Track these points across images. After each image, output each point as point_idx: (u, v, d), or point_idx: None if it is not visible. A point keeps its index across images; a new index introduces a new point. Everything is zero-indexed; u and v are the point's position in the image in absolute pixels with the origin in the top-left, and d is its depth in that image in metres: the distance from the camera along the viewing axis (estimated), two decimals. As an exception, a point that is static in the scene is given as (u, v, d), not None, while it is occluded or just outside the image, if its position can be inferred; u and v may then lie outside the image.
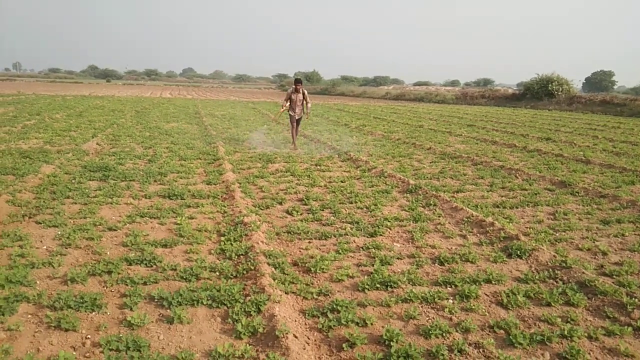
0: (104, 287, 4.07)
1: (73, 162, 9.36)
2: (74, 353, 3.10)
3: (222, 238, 5.36)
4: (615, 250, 5.41)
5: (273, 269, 4.56)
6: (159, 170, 8.86)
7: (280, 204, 7.06)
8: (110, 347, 3.13)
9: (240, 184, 8.11)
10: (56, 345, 3.19)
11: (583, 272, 4.52)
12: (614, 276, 4.62)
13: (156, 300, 3.84)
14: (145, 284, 4.15)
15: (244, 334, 3.40)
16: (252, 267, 4.49)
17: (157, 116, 20.53)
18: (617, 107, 33.43)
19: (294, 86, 12.15)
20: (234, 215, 6.20)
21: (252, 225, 5.67)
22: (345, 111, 28.59)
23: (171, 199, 7.00)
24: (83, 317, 3.55)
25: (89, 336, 3.31)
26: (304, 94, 12.13)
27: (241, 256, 4.86)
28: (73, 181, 7.74)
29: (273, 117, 16.18)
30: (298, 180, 8.71)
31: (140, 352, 3.10)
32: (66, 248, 4.90)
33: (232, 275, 4.40)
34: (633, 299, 3.99)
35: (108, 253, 4.82)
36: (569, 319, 3.77)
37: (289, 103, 12.18)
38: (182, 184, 8.00)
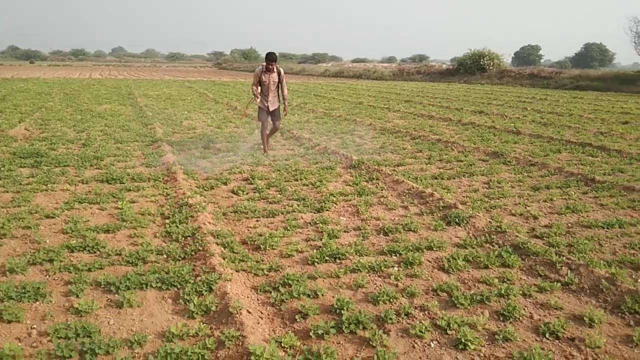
0: (46, 275, 3.93)
1: (0, 149, 8.81)
2: (20, 344, 3.00)
3: (167, 221, 5.28)
4: (545, 214, 5.80)
5: (222, 248, 4.56)
6: (95, 154, 8.52)
7: (225, 184, 7.00)
8: (59, 335, 3.05)
9: (181, 165, 7.95)
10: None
11: (516, 236, 4.83)
12: (544, 238, 4.97)
13: (103, 286, 3.76)
14: (90, 270, 4.04)
15: (197, 313, 3.41)
16: (201, 248, 4.46)
17: (88, 98, 19.56)
18: (544, 80, 35.20)
19: (263, 64, 8.67)
20: (178, 197, 6.10)
21: (198, 207, 5.61)
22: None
23: (110, 184, 6.78)
24: (26, 308, 3.42)
25: (35, 326, 3.20)
26: (279, 74, 8.74)
27: (188, 238, 4.82)
28: (2, 169, 7.31)
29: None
30: (242, 160, 8.65)
31: (91, 337, 3.04)
32: (1, 238, 4.66)
33: (180, 257, 4.36)
34: (561, 257, 4.32)
35: (47, 241, 4.63)
36: (505, 279, 4.04)
37: (259, 89, 8.73)
38: (120, 167, 7.75)
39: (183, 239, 4.80)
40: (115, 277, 3.86)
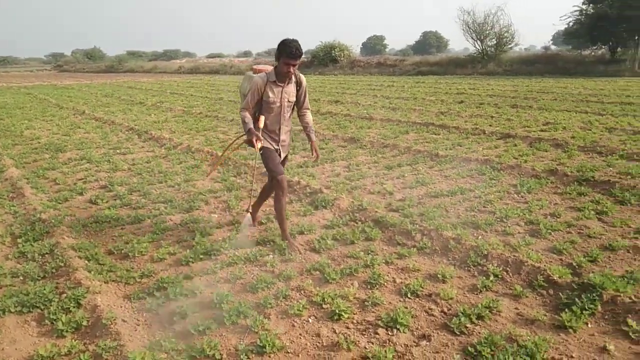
0: None
1: None
2: None
3: (19, 240, 4.84)
4: (399, 190, 6.38)
5: (86, 261, 4.32)
6: None
7: (81, 194, 6.55)
8: None
9: (28, 179, 7.26)
10: None
11: (376, 211, 5.27)
12: (400, 210, 5.48)
13: (-51, 320, 3.36)
14: None
15: (67, 331, 3.22)
16: (62, 264, 4.19)
17: None
18: (390, 68, 37.95)
19: (264, 69, 4.52)
20: (28, 214, 5.59)
21: (53, 221, 5.23)
22: (138, 88, 27.00)
23: (-59, 208, 5.96)
24: None
25: None
26: (300, 85, 4.53)
27: (46, 255, 4.49)
28: None
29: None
30: (97, 166, 8.14)
31: (-58, 378, 2.73)
32: None
33: (39, 276, 4.04)
34: (415, 225, 4.82)
35: None
36: (369, 251, 4.41)
37: (262, 118, 4.41)
38: (-49, 188, 6.83)
39: (40, 257, 4.45)
40: (-38, 308, 3.47)
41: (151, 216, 5.57)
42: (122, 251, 4.58)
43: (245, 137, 4.48)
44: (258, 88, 4.30)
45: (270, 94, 4.33)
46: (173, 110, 16.03)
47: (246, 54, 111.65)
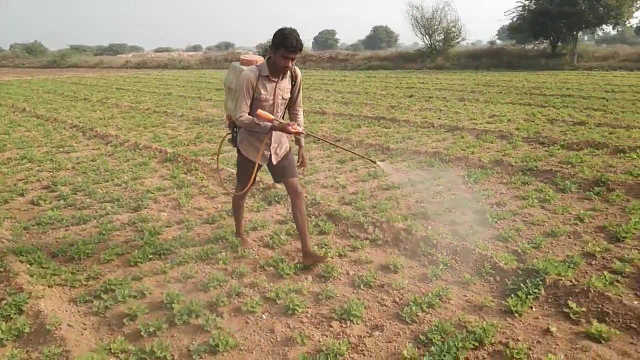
0: None
1: None
2: None
3: (-47, 246, 4.56)
4: (352, 183, 6.43)
5: (28, 265, 4.13)
6: None
7: (22, 195, 6.25)
8: None
9: (-38, 181, 6.85)
10: None
11: (329, 205, 5.29)
12: (352, 204, 5.52)
13: None
14: None
15: (7, 339, 3.07)
16: (2, 269, 4.00)
17: None
18: (342, 62, 38.15)
19: (256, 60, 3.92)
20: (-37, 218, 5.28)
21: (-9, 224, 4.96)
22: (83, 84, 25.93)
23: None
24: None
25: None
26: (295, 80, 3.97)
27: (-16, 261, 4.24)
28: None
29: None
30: (39, 166, 7.78)
31: None
32: None
33: (-24, 283, 3.82)
34: (367, 218, 4.87)
35: None
36: (323, 245, 4.42)
37: (261, 111, 3.76)
38: None
39: (-23, 263, 4.20)
40: None
41: (97, 216, 5.38)
42: (67, 253, 4.40)
43: (229, 137, 4.19)
44: (250, 83, 3.71)
45: (263, 91, 3.77)
46: (119, 106, 15.52)
47: (196, 48, 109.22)
